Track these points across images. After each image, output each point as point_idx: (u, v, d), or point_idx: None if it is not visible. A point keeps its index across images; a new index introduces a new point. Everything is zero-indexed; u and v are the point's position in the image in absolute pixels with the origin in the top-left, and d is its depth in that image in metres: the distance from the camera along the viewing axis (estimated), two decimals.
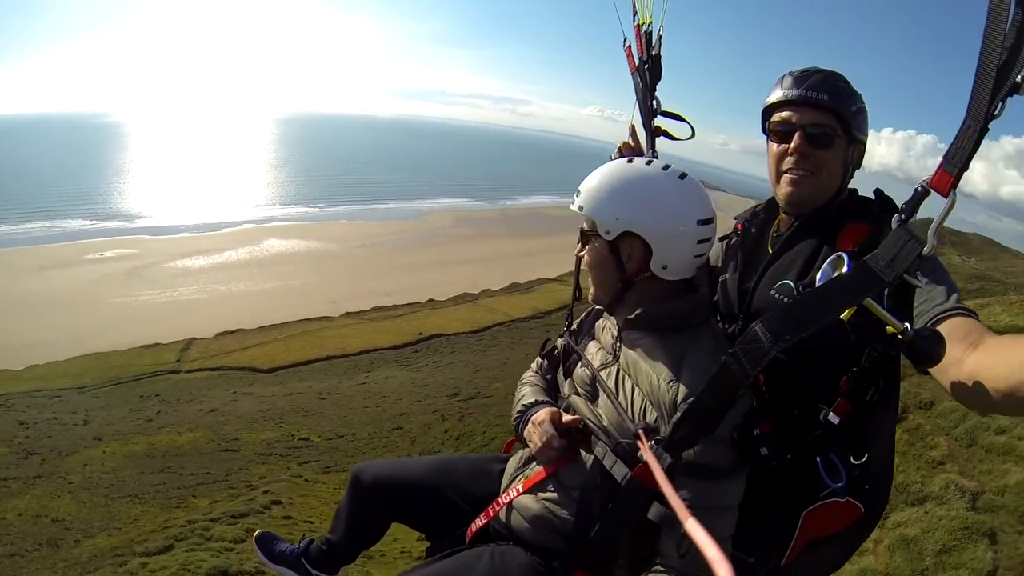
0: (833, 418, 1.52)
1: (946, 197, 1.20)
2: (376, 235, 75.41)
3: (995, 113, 1.11)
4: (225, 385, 34.26)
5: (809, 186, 1.82)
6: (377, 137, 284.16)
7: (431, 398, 28.68)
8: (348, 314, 48.09)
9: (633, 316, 1.72)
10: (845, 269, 1.33)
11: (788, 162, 1.84)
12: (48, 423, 25.51)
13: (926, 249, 1.23)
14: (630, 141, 2.42)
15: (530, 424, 1.81)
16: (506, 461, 2.03)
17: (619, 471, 1.56)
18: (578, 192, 1.74)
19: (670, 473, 1.39)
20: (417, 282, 54.82)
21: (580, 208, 1.72)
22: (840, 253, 1.39)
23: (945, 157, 1.19)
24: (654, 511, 1.49)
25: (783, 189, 1.87)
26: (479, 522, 1.88)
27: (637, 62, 2.42)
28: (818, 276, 1.42)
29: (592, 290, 1.83)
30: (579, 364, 1.88)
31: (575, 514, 1.66)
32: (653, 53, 2.37)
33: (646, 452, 1.43)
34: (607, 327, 1.87)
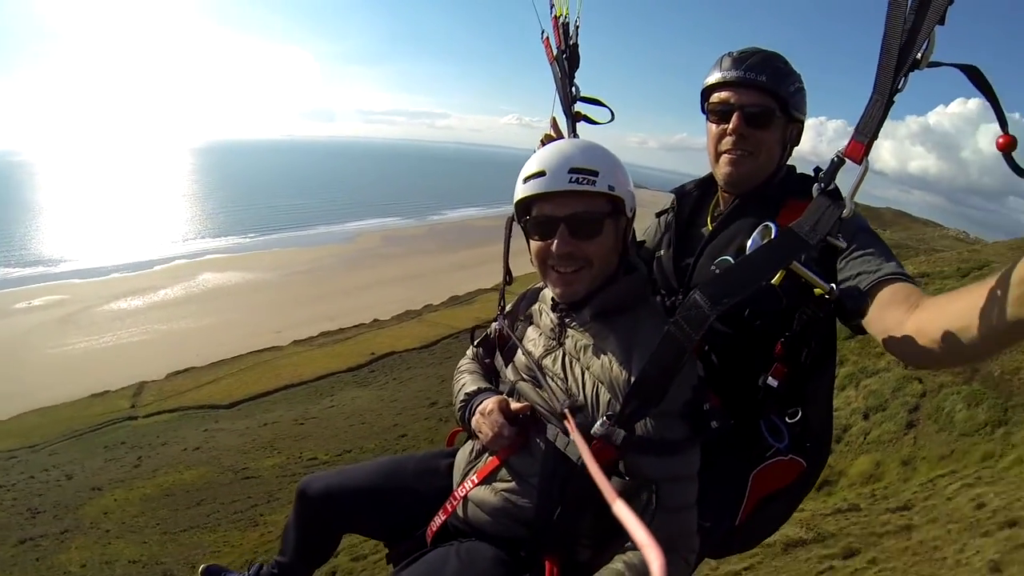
0: (772, 382, 1.62)
1: (860, 164, 1.27)
2: (311, 260, 74.88)
3: (899, 87, 1.18)
4: (191, 425, 33.59)
5: (748, 166, 1.87)
6: (297, 160, 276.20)
7: (411, 410, 29.08)
8: (296, 342, 48.21)
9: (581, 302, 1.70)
10: (773, 236, 1.40)
11: (727, 142, 1.88)
12: (27, 483, 24.72)
13: (845, 212, 1.30)
14: (552, 132, 2.42)
15: (477, 414, 1.76)
16: (452, 455, 1.99)
17: (573, 452, 1.55)
18: (588, 171, 1.57)
19: (625, 448, 1.44)
20: (359, 303, 55.56)
21: (611, 188, 1.60)
22: (768, 223, 1.45)
23: (856, 128, 1.26)
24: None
25: (722, 169, 1.91)
26: (438, 520, 1.82)
27: (555, 52, 2.46)
28: (748, 244, 1.47)
29: (581, 283, 1.67)
30: (518, 350, 1.84)
31: (535, 501, 1.63)
32: (571, 43, 2.40)
33: (573, 431, 1.43)
34: (544, 311, 1.84)
